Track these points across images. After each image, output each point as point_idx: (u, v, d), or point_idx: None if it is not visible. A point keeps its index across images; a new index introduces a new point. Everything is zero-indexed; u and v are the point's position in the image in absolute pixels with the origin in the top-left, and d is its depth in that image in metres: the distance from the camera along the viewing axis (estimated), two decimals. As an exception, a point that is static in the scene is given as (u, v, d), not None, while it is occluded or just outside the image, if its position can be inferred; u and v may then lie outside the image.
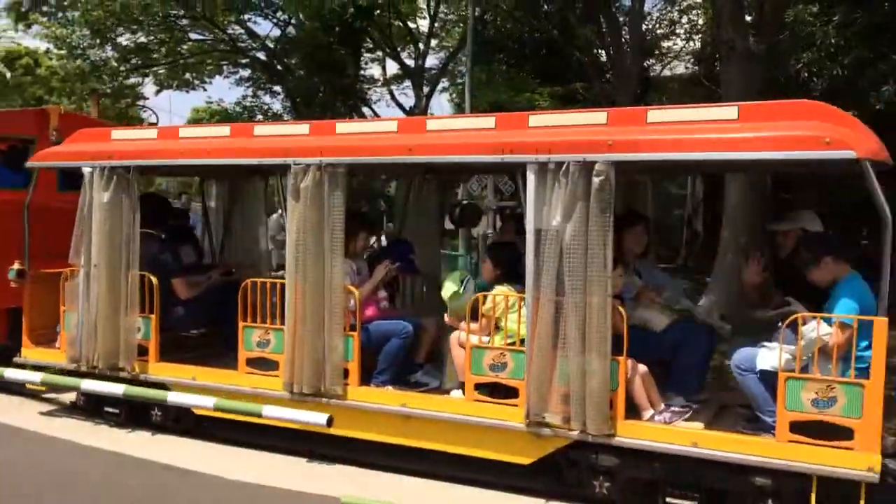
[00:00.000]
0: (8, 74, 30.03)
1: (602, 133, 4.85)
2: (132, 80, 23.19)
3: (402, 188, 8.45)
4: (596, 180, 4.65)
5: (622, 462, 4.88)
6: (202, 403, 5.87)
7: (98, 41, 19.87)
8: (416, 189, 7.48)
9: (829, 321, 4.47)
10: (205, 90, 32.80)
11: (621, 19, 15.93)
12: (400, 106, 22.01)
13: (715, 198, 14.24)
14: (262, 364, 5.97)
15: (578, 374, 4.75)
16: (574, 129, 5.04)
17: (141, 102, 21.73)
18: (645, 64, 17.79)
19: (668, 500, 4.78)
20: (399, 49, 22.16)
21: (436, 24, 22.10)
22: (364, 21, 18.98)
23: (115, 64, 20.27)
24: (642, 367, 5.00)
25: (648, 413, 4.94)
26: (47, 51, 25.38)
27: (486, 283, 5.55)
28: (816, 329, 4.41)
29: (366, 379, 5.68)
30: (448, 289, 5.62)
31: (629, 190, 6.21)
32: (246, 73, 22.43)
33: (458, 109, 19.32)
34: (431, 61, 22.78)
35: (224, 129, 6.70)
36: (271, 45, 20.58)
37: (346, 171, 5.55)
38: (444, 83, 22.17)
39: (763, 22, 11.12)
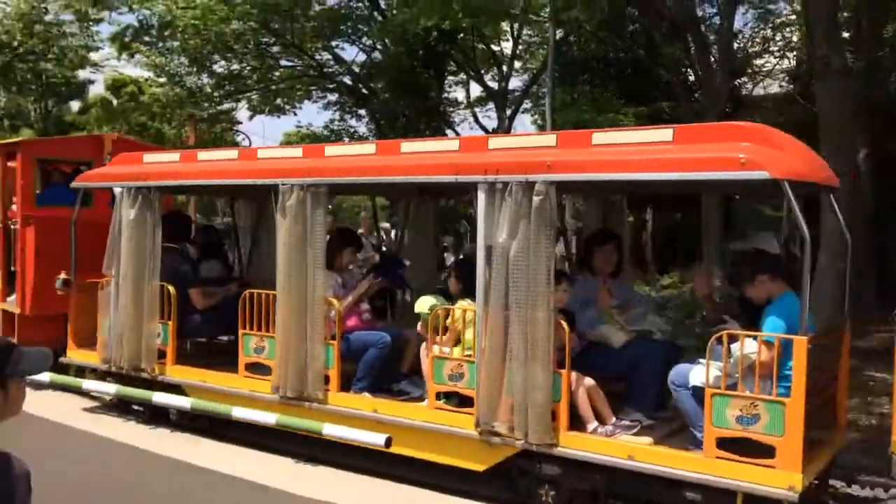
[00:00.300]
0: (114, 101, 31.74)
1: (547, 155, 5.13)
2: (227, 106, 24.09)
3: (402, 209, 8.98)
4: (536, 199, 4.92)
5: (565, 472, 5.04)
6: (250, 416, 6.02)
7: (195, 69, 20.77)
8: (413, 209, 8.03)
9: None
10: (295, 115, 33.71)
11: (710, 37, 15.49)
12: (483, 128, 22.04)
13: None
14: (259, 369, 6.42)
15: (522, 384, 4.96)
16: (522, 151, 5.38)
17: (234, 127, 22.50)
18: (736, 82, 17.27)
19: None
20: (482, 72, 22.24)
21: (519, 47, 22.13)
22: (447, 44, 19.17)
23: (210, 90, 21.09)
24: (589, 381, 5.17)
25: (592, 425, 5.09)
26: (147, 79, 26.73)
27: (453, 297, 5.83)
28: (741, 347, 4.45)
29: (346, 386, 6.06)
30: (423, 303, 5.88)
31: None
32: (333, 97, 22.94)
33: (541, 130, 19.20)
34: (515, 83, 22.80)
35: (233, 153, 7.57)
36: (357, 70, 21.00)
37: (328, 190, 6.04)
38: (527, 104, 22.09)
39: (860, 38, 10.61)
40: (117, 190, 7.32)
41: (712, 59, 15.02)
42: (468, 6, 15.52)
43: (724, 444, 4.48)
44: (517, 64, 22.98)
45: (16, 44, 14.91)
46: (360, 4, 20.06)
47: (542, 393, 4.91)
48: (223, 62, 20.91)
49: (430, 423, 5.51)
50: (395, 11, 18.12)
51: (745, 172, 4.35)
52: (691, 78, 16.83)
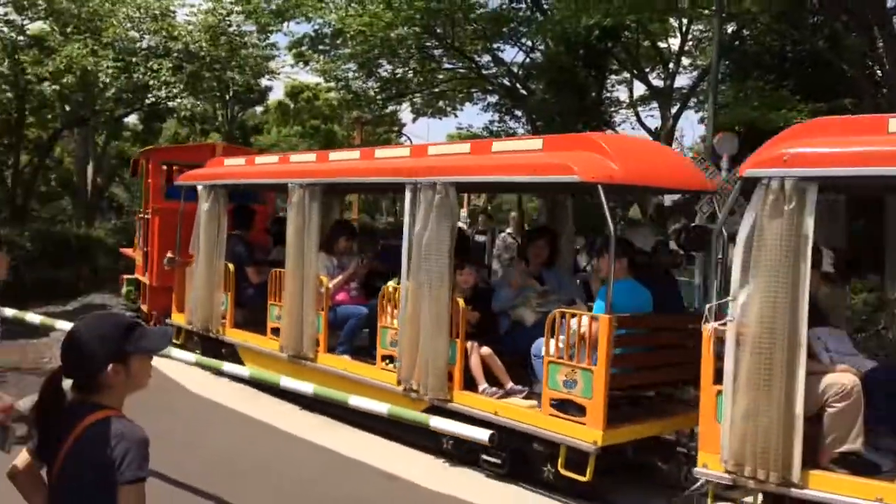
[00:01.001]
0: (291, 106, 33.80)
1: (457, 161, 6.33)
2: (391, 108, 24.96)
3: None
4: (437, 197, 5.96)
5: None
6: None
7: (362, 73, 21.69)
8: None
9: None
10: (456, 116, 34.34)
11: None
12: (645, 127, 21.37)
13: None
14: (277, 332, 7.73)
15: (427, 351, 6.08)
16: (443, 157, 6.60)
17: (396, 128, 23.30)
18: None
19: (483, 456, 5.86)
20: (647, 70, 21.56)
21: (689, 43, 21.24)
22: (610, 42, 18.75)
23: (374, 94, 21.90)
24: (485, 350, 6.13)
25: (482, 387, 6.02)
26: (317, 84, 28.23)
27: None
28: (578, 324, 5.29)
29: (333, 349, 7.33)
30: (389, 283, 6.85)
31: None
32: (493, 98, 23.13)
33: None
34: (682, 81, 21.93)
35: (273, 158, 9.41)
36: (515, 71, 21.03)
37: (323, 189, 7.33)
38: (694, 102, 21.15)
39: None
40: (199, 188, 8.94)
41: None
42: (631, 2, 15.11)
43: (561, 404, 5.35)
44: (686, 61, 22.10)
45: (203, 54, 16.17)
46: (523, 5, 20.07)
47: (441, 358, 6.01)
48: (388, 66, 21.67)
49: (376, 381, 6.72)
50: (556, 10, 17.97)
51: (567, 177, 5.33)
52: (878, 73, 15.39)
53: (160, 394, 8.03)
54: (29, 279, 14.55)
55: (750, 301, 4.33)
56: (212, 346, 8.75)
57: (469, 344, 6.09)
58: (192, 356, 7.70)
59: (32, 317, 8.05)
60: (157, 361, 7.37)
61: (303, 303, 7.32)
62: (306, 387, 6.66)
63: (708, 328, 4.58)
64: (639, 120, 22.17)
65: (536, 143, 6.11)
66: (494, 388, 5.96)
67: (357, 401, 6.19)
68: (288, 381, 6.93)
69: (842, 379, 4.40)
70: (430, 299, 6.00)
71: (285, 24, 20.38)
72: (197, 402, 7.91)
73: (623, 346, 5.42)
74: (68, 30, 15.95)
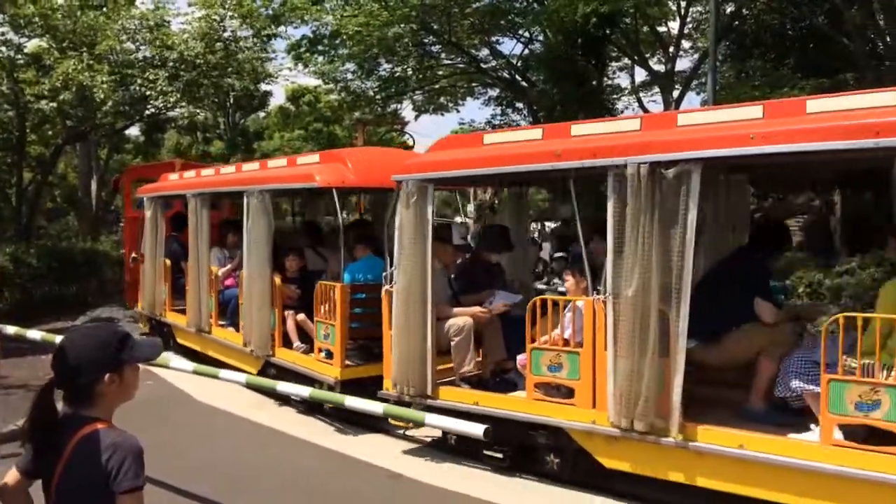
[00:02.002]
0: (293, 109, 33.78)
1: (269, 173, 8.59)
2: (392, 107, 24.88)
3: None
4: (256, 202, 7.94)
5: (280, 374, 7.75)
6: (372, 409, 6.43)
7: (361, 74, 21.65)
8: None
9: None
10: (458, 112, 34.25)
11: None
12: (647, 113, 21.19)
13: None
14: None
15: (254, 318, 8.03)
16: (265, 170, 8.88)
17: (398, 128, 23.21)
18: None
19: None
20: (647, 55, 21.40)
21: (688, 26, 21.06)
22: (608, 29, 18.60)
23: (373, 93, 21.84)
24: (300, 316, 7.90)
25: (296, 344, 7.80)
26: (317, 87, 28.19)
27: None
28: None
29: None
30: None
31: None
32: (494, 92, 23.03)
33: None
34: (683, 64, 21.76)
35: (229, 168, 10.48)
36: (514, 62, 20.92)
37: (272, 194, 8.10)
38: (695, 84, 20.99)
39: None
40: (145, 199, 10.95)
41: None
42: (629, -14, 14.98)
43: (326, 353, 7.33)
44: (686, 44, 21.91)
45: (199, 61, 16.12)
46: (519, -4, 19.99)
47: (265, 323, 7.93)
48: (387, 65, 21.61)
49: (237, 345, 8.57)
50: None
51: (311, 184, 7.39)
52: (880, 46, 15.20)
53: (164, 402, 8.08)
54: (37, 296, 14.60)
55: (399, 270, 6.13)
56: (158, 327, 10.89)
57: (287, 312, 7.90)
58: (190, 365, 7.80)
59: (34, 333, 8.05)
60: (160, 371, 7.37)
61: (199, 288, 9.25)
62: (239, 377, 7.32)
63: (384, 290, 6.39)
64: (641, 106, 22.02)
65: (310, 157, 8.37)
66: (306, 346, 7.68)
67: (289, 389, 7.08)
68: (227, 374, 7.44)
69: (458, 321, 6.17)
70: (258, 280, 7.93)
71: (282, 27, 20.40)
72: (200, 410, 7.90)
73: (361, 307, 7.16)
74: (64, 45, 15.95)
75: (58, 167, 25.72)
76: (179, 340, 10.26)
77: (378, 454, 6.32)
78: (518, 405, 5.66)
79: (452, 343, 6.11)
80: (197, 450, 6.52)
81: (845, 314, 4.42)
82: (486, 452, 5.82)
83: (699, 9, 20.30)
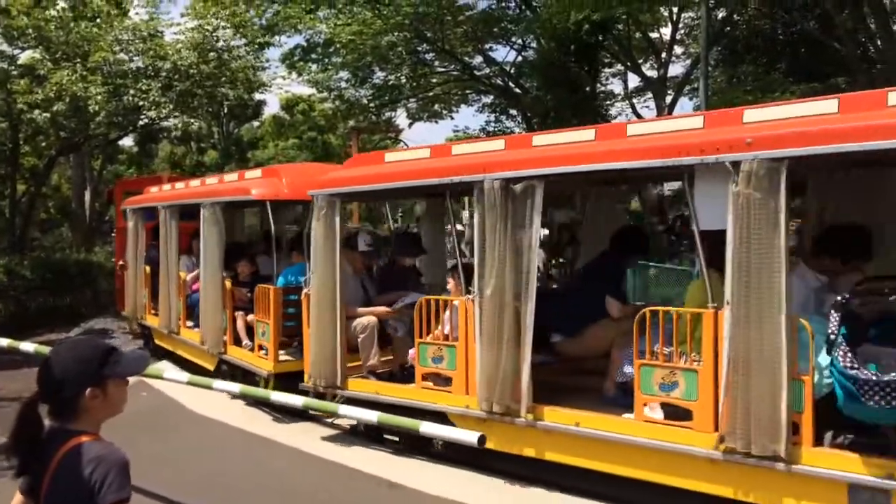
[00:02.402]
0: (288, 118, 33.82)
1: (211, 188, 9.54)
2: (387, 115, 24.92)
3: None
4: (208, 215, 8.75)
5: (230, 370, 8.58)
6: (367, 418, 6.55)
7: (355, 82, 21.67)
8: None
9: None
10: (452, 119, 34.28)
11: (887, 3, 13.99)
12: (640, 118, 21.26)
13: None
14: None
15: (208, 318, 8.78)
16: (208, 186, 9.88)
17: (393, 135, 23.25)
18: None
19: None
20: (640, 61, 21.48)
21: (680, 32, 21.15)
22: (601, 36, 18.67)
23: (367, 102, 21.87)
24: (250, 317, 8.40)
25: (245, 342, 8.46)
26: (310, 96, 28.18)
27: None
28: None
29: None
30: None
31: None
32: (488, 99, 23.08)
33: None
34: (676, 70, 21.84)
35: (196, 182, 10.80)
36: (508, 70, 20.97)
37: (223, 207, 8.69)
38: (688, 89, 21.07)
39: None
40: (128, 210, 11.81)
41: (894, 26, 13.54)
42: (620, -6, 15.01)
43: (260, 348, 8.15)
44: (678, 49, 22.01)
45: (193, 71, 16.14)
46: (512, 3, 20.03)
47: (217, 323, 8.64)
48: (380, 73, 21.64)
49: (195, 342, 9.24)
50: (545, 7, 17.90)
51: (248, 196, 8.17)
52: (871, 49, 15.28)
53: (159, 413, 8.05)
54: (31, 307, 14.57)
55: (313, 275, 6.81)
56: (141, 329, 11.77)
57: (237, 313, 8.58)
58: (185, 376, 7.80)
59: (27, 346, 8.01)
60: (155, 383, 7.32)
61: (169, 292, 9.93)
62: (234, 387, 7.36)
63: (303, 293, 7.12)
64: (634, 111, 22.12)
65: (257, 172, 9.06)
66: (252, 343, 8.28)
67: (283, 399, 6.82)
68: (221, 384, 7.55)
69: (363, 321, 6.88)
70: (211, 284, 8.65)
71: (276, 37, 20.42)
72: (195, 420, 7.87)
73: (294, 307, 7.61)
74: (57, 56, 15.95)
75: (51, 178, 25.68)
76: (156, 341, 10.96)
77: (374, 463, 6.30)
78: (409, 394, 6.30)
79: (359, 340, 6.88)
80: (193, 461, 6.49)
81: (651, 308, 4.97)
82: (385, 436, 6.60)
83: (691, 14, 20.39)
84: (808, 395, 4.28)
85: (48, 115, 15.30)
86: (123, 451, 2.20)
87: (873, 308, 4.24)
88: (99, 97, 14.44)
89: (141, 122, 18.32)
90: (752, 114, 4.61)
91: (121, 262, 12.48)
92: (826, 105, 4.39)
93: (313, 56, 21.68)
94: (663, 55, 21.13)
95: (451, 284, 6.36)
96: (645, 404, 4.95)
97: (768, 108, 4.64)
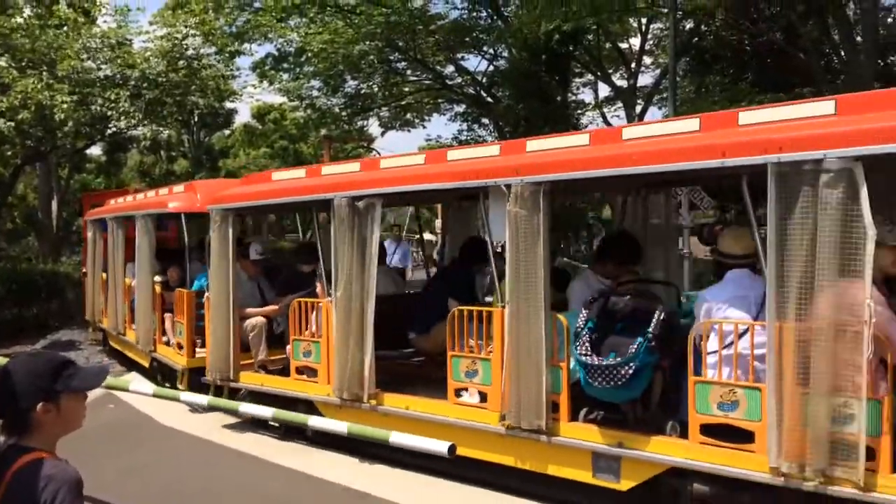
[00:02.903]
0: (259, 127, 33.62)
1: (152, 200, 10.47)
2: (359, 124, 24.86)
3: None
4: (141, 226, 9.76)
5: (159, 367, 9.60)
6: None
7: (327, 90, 21.61)
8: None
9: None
10: (424, 128, 34.31)
11: (851, 14, 14.28)
12: (609, 126, 21.45)
13: None
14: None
15: (141, 320, 9.79)
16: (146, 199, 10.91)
17: (365, 144, 23.21)
18: (890, 60, 15.84)
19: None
20: (610, 71, 21.70)
21: (649, 42, 21.41)
22: (571, 46, 18.82)
23: (339, 110, 21.82)
24: (176, 318, 9.18)
25: (172, 341, 9.20)
26: (281, 104, 28.04)
27: None
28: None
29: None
30: None
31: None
32: (460, 108, 23.14)
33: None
34: (646, 80, 22.11)
35: (141, 195, 11.55)
36: (479, 79, 21.06)
37: (154, 217, 9.59)
38: (657, 99, 21.32)
39: None
40: (88, 221, 12.93)
41: (856, 39, 13.81)
42: (590, 4, 15.16)
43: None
44: (647, 60, 22.26)
45: (162, 79, 15.98)
46: (483, 13, 20.12)
47: (148, 324, 9.63)
48: (352, 82, 21.61)
49: (130, 340, 10.38)
50: (516, 17, 18.02)
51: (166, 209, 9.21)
52: (835, 60, 15.57)
53: (127, 426, 7.94)
54: (-4, 319, 14.30)
55: (211, 280, 7.74)
56: (101, 332, 12.57)
57: (166, 315, 9.46)
58: (150, 388, 7.76)
59: (-10, 358, 7.85)
60: (122, 395, 7.23)
61: (116, 297, 10.78)
62: (202, 399, 7.47)
63: (206, 297, 8.02)
64: (605, 121, 22.32)
65: (181, 188, 10.01)
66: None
67: (315, 421, 6.39)
68: (188, 396, 7.70)
69: (252, 321, 7.97)
70: (143, 289, 9.58)
71: (246, 45, 20.30)
72: (164, 433, 7.76)
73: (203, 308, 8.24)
74: (23, 64, 15.70)
75: (17, 188, 25.25)
76: (110, 342, 11.99)
77: (339, 471, 6.27)
78: (287, 384, 7.19)
79: (249, 337, 7.88)
80: (162, 474, 6.41)
81: (459, 308, 5.77)
82: (270, 424, 7.26)
83: (659, 25, 20.66)
84: (564, 379, 5.13)
85: (13, 123, 15.03)
86: (75, 469, 2.15)
87: (619, 305, 5.06)
88: (65, 105, 14.21)
89: (109, 132, 18.07)
90: (532, 144, 5.58)
91: (84, 270, 13.45)
92: (578, 139, 5.46)
93: (284, 66, 21.62)
94: (633, 65, 21.38)
95: (318, 288, 7.18)
96: (458, 390, 5.78)
97: (544, 140, 5.63)
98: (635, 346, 4.75)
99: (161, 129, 21.00)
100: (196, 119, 28.08)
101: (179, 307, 8.89)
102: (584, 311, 5.07)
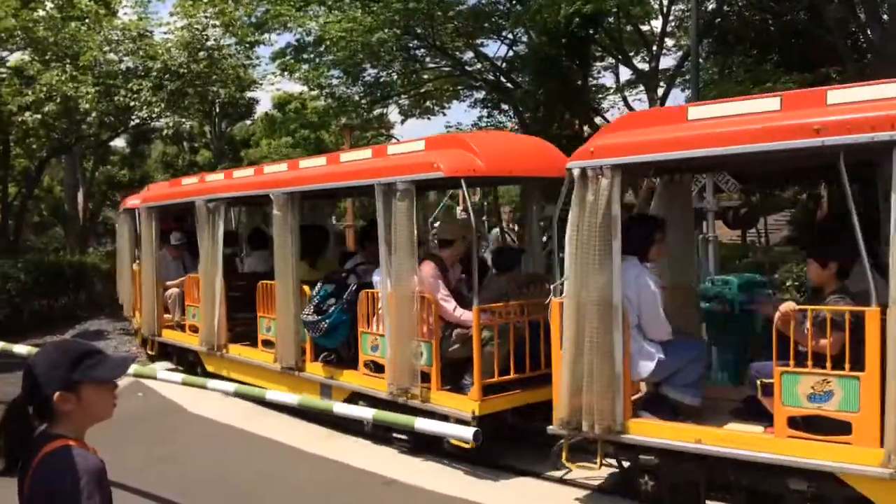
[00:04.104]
0: (280, 116, 33.68)
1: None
2: (378, 111, 24.84)
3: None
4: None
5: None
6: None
7: (347, 79, 21.61)
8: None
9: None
10: (444, 115, 34.19)
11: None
12: (631, 110, 21.24)
13: None
14: None
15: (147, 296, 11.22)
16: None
17: (384, 132, 23.18)
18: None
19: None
20: (631, 54, 21.47)
21: (671, 24, 21.14)
22: (592, 29, 18.62)
23: (358, 98, 21.81)
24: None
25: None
26: (301, 93, 28.06)
27: None
28: None
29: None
30: None
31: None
32: (480, 94, 23.03)
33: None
34: (668, 62, 21.84)
35: (166, 184, 12.29)
36: (499, 65, 20.95)
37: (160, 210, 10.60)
38: (679, 82, 21.08)
39: None
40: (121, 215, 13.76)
41: (883, 16, 13.55)
42: (610, -15, 14.99)
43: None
44: (669, 42, 22.00)
45: (183, 70, 16.07)
46: (502, -2, 19.98)
47: (151, 304, 10.53)
48: (371, 70, 21.59)
49: None
50: (535, 0, 17.85)
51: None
52: (861, 40, 15.29)
53: (157, 415, 8.05)
54: (26, 310, 14.50)
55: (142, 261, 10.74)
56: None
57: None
58: (178, 376, 7.83)
59: (20, 348, 8.00)
60: (151, 383, 7.35)
61: (126, 282, 12.47)
62: (228, 387, 7.22)
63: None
64: (626, 104, 22.10)
65: (418, 144, 7.11)
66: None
67: (341, 408, 6.31)
68: (215, 384, 7.38)
69: (170, 291, 10.46)
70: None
71: (266, 35, 20.33)
72: (193, 421, 7.87)
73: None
74: (47, 57, 15.86)
75: (43, 180, 25.59)
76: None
77: (369, 460, 6.32)
78: (184, 338, 9.93)
79: (168, 303, 10.43)
80: (194, 462, 6.50)
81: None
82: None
83: (681, 6, 20.37)
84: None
85: (39, 116, 15.21)
86: (99, 458, 2.17)
87: (349, 279, 7.38)
88: (90, 96, 14.34)
89: (132, 123, 18.23)
90: (344, 156, 7.68)
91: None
92: (416, 144, 6.61)
93: (304, 56, 21.62)
94: (654, 48, 21.12)
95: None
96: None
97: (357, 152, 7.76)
98: (332, 308, 6.79)
99: (183, 119, 21.14)
100: (217, 109, 28.19)
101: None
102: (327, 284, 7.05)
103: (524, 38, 20.38)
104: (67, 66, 15.30)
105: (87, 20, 16.15)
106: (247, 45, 19.21)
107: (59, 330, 13.95)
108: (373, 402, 6.50)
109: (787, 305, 4.48)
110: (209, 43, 16.90)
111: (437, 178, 5.99)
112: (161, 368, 9.46)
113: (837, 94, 4.38)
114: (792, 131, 4.30)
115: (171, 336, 10.25)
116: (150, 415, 8.05)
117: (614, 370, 4.85)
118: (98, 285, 16.55)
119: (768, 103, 4.57)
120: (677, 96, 23.60)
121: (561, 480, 5.60)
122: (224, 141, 31.42)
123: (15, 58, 17.67)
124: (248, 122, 34.65)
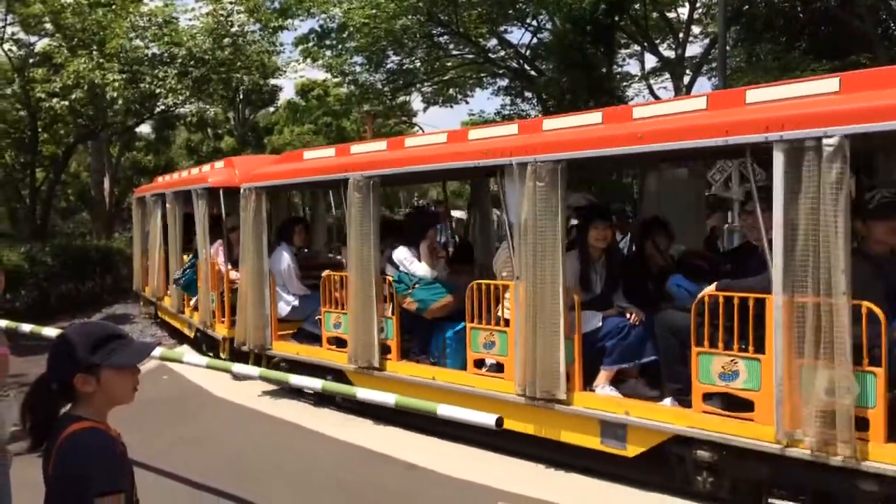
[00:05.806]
0: (302, 104, 33.80)
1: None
2: (401, 99, 24.84)
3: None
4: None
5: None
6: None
7: (370, 66, 21.61)
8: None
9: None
10: (467, 103, 34.05)
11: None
12: (657, 99, 21.05)
13: None
14: None
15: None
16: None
17: (407, 120, 23.17)
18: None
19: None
20: (657, 41, 21.26)
21: (698, 11, 20.88)
22: (618, 16, 18.45)
23: (381, 86, 21.80)
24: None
25: None
26: (324, 80, 28.09)
27: None
28: None
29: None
30: None
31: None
32: (503, 82, 22.93)
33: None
34: (694, 49, 21.61)
35: (175, 175, 12.57)
36: (523, 52, 20.83)
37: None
38: (706, 69, 20.84)
39: None
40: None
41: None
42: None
43: None
44: (696, 29, 21.74)
45: (208, 56, 16.15)
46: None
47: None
48: (395, 57, 21.57)
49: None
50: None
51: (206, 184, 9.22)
52: (892, 27, 15.02)
53: (181, 398, 8.14)
54: (53, 294, 14.72)
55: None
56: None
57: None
58: (203, 360, 7.82)
59: (49, 331, 8.10)
60: (175, 366, 7.40)
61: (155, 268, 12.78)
62: (253, 371, 6.84)
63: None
64: (651, 92, 21.92)
65: (220, 163, 10.64)
66: None
67: (364, 393, 6.19)
68: (239, 368, 6.97)
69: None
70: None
71: (290, 20, 20.35)
72: (217, 404, 7.95)
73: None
74: (74, 43, 16.01)
75: (70, 166, 25.87)
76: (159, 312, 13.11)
77: (392, 445, 6.35)
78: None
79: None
80: (218, 444, 6.57)
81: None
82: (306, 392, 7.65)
83: (708, -7, 20.14)
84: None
85: (66, 102, 15.38)
86: (118, 441, 2.20)
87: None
88: (117, 84, 14.46)
89: (158, 109, 18.37)
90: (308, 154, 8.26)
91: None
92: (378, 144, 7.26)
93: (327, 42, 21.63)
94: (681, 35, 20.89)
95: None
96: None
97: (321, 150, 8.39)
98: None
99: (207, 106, 21.25)
100: (241, 96, 28.32)
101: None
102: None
103: (548, 25, 20.26)
104: (94, 52, 15.44)
105: (113, 6, 16.28)
106: (270, 31, 19.25)
107: (85, 313, 14.14)
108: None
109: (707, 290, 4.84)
110: (233, 29, 16.96)
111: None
112: (187, 351, 9.56)
113: (310, 153, 6.97)
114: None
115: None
116: (175, 398, 8.15)
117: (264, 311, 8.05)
118: (123, 269, 16.75)
119: (268, 158, 7.68)
120: (703, 84, 23.34)
121: (585, 469, 5.57)
122: (248, 128, 31.58)
123: (43, 44, 17.86)
124: (272, 109, 34.77)
